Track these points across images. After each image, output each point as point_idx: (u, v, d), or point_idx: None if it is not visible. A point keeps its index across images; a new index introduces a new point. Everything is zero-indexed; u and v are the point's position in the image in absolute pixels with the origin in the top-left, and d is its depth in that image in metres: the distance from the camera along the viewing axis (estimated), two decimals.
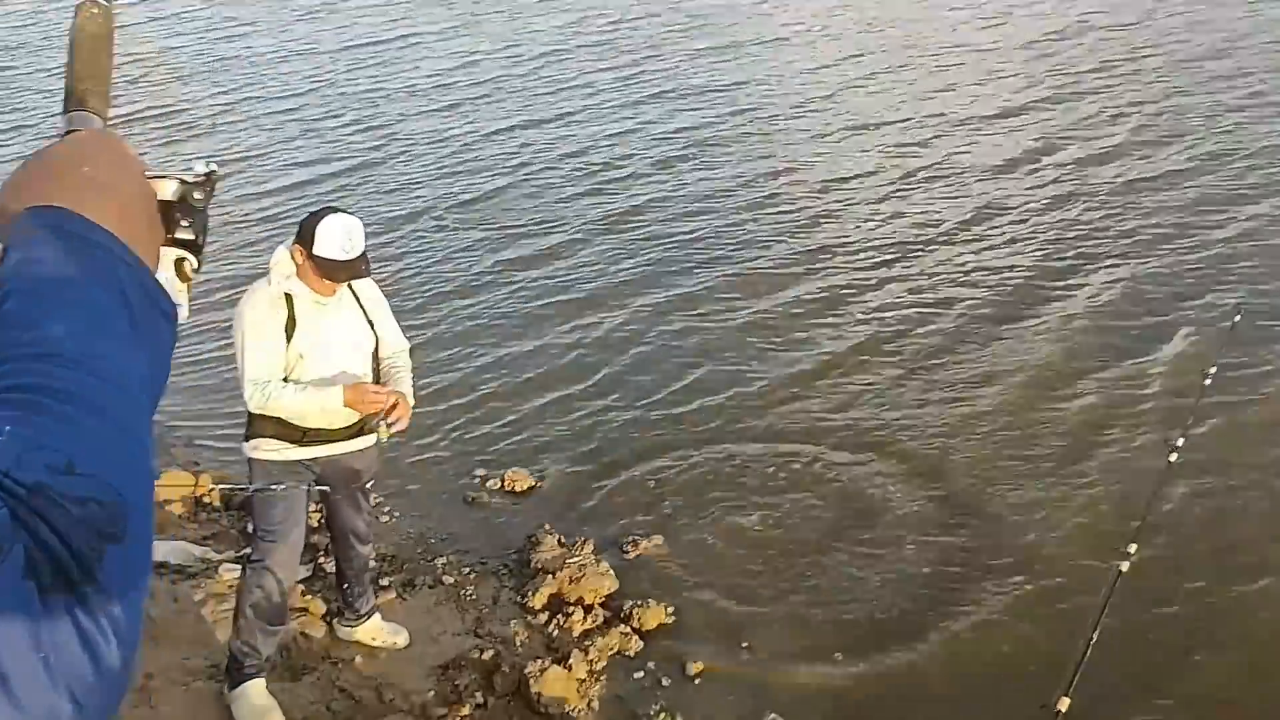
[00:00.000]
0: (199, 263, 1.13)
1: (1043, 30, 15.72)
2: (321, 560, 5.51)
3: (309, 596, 5.30)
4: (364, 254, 4.02)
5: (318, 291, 4.04)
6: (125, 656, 0.73)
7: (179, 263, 1.12)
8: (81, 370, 0.80)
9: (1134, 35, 15.38)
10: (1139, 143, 11.42)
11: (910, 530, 5.83)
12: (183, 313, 1.08)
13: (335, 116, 12.97)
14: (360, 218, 4.08)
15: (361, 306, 4.25)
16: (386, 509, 6.06)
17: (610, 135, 12.08)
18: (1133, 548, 3.78)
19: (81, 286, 0.88)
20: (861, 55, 14.82)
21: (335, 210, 4.06)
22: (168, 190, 1.11)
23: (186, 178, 1.13)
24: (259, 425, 4.19)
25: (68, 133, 1.10)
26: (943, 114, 12.46)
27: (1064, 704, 3.21)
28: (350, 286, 4.17)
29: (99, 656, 0.70)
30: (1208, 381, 4.69)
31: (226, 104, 13.44)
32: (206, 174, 1.14)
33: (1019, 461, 6.35)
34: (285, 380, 4.05)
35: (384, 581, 5.43)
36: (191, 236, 1.12)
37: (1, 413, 0.74)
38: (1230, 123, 11.85)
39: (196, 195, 1.13)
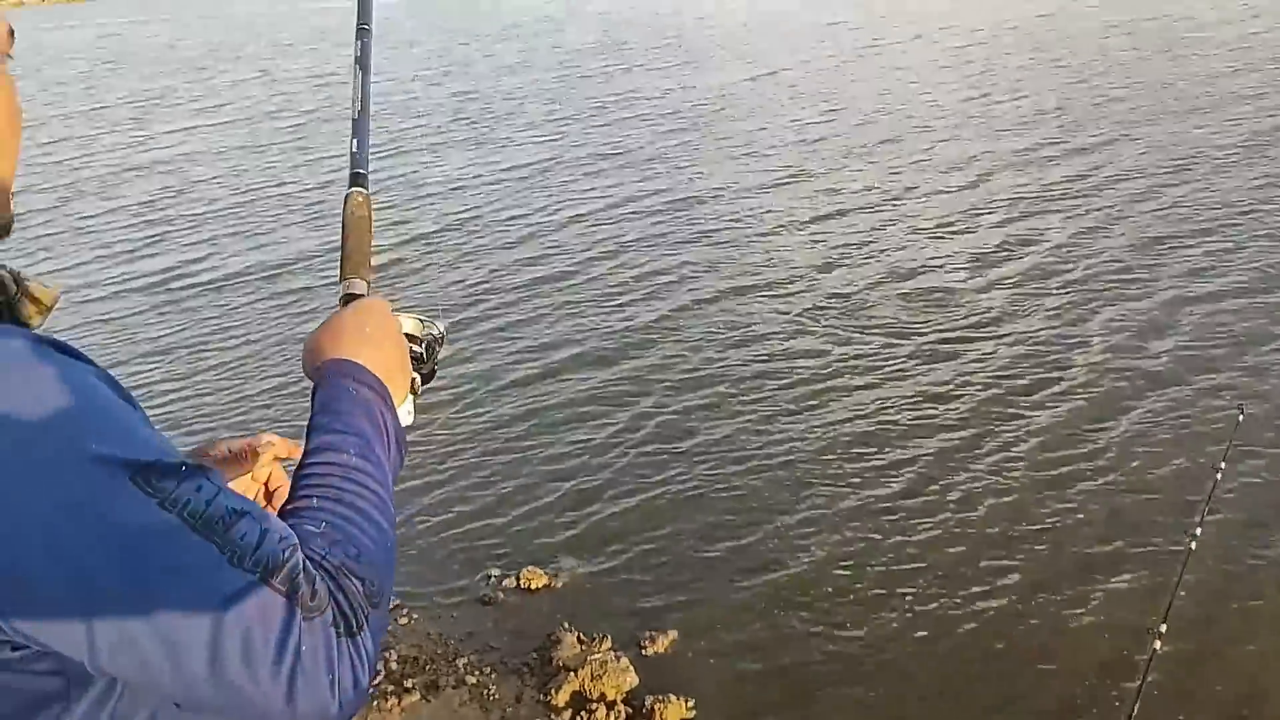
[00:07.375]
0: (423, 384, 1.54)
1: None
2: None
3: None
4: None
5: None
6: (370, 679, 1.13)
7: (411, 382, 1.48)
8: (368, 489, 1.23)
9: None
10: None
11: (939, 614, 5.78)
12: (412, 419, 1.47)
13: None
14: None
15: None
16: (404, 610, 6.03)
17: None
18: (1163, 627, 3.72)
19: (367, 424, 1.29)
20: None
21: None
22: (408, 326, 1.53)
23: (428, 327, 1.58)
24: None
25: (344, 296, 1.50)
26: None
27: None
28: None
29: (359, 679, 1.10)
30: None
31: None
32: (443, 333, 1.60)
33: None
34: None
35: (407, 684, 5.39)
36: (424, 372, 1.55)
37: (323, 515, 1.18)
38: None
39: (434, 345, 1.58)
